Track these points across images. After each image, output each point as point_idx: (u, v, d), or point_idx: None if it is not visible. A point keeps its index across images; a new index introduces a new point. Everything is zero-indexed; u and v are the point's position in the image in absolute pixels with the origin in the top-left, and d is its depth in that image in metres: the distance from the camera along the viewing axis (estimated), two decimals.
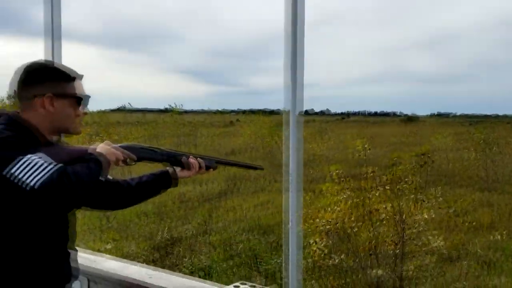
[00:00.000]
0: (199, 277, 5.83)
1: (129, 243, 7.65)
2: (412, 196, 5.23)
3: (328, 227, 5.12)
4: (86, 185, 1.31)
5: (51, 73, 1.48)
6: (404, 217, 5.13)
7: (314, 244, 5.09)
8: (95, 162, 1.39)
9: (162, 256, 7.21)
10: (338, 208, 5.14)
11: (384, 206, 5.20)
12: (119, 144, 1.58)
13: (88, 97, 1.56)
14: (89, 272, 1.79)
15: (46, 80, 1.47)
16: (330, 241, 5.22)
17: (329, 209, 5.19)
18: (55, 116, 1.47)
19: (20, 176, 1.23)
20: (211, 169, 1.69)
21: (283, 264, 1.54)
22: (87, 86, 1.58)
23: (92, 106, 1.57)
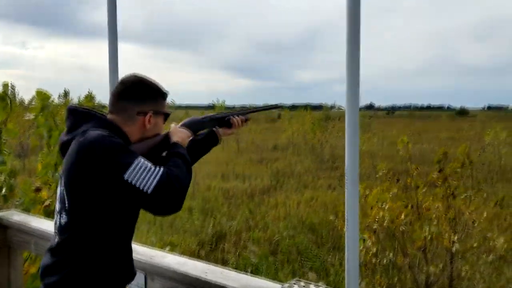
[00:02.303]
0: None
1: (175, 239, 7.80)
2: (462, 194, 5.04)
3: (374, 226, 5.02)
4: (187, 184, 1.39)
5: (152, 92, 1.56)
6: (454, 215, 4.96)
7: (361, 241, 5.01)
8: (183, 158, 1.47)
9: (207, 252, 7.30)
10: (386, 207, 5.02)
11: (432, 204, 5.06)
12: (182, 123, 1.72)
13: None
14: (146, 268, 1.82)
15: (149, 99, 1.55)
16: (377, 240, 5.12)
17: (376, 207, 5.08)
18: (149, 130, 1.55)
19: (133, 181, 1.30)
20: (247, 121, 1.92)
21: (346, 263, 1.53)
22: None
23: None
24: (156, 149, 1.57)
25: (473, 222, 4.98)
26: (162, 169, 1.34)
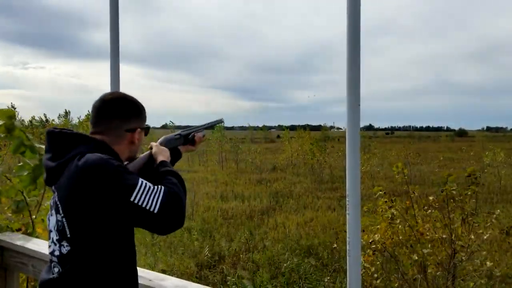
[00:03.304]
0: None
1: (173, 260, 7.72)
2: (462, 216, 5.01)
3: (373, 246, 4.98)
4: (185, 200, 1.41)
5: (136, 108, 1.56)
6: (453, 238, 4.91)
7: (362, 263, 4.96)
8: (176, 176, 1.48)
9: (206, 274, 7.21)
10: (384, 228, 4.98)
11: (431, 226, 5.02)
12: (159, 142, 1.76)
13: None
14: None
15: (134, 115, 1.55)
16: (376, 262, 5.07)
17: (374, 228, 5.05)
18: (136, 146, 1.56)
19: (140, 202, 1.30)
20: (204, 137, 2.01)
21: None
22: None
23: None
24: (144, 168, 1.60)
25: (470, 245, 4.93)
26: (162, 188, 1.35)
